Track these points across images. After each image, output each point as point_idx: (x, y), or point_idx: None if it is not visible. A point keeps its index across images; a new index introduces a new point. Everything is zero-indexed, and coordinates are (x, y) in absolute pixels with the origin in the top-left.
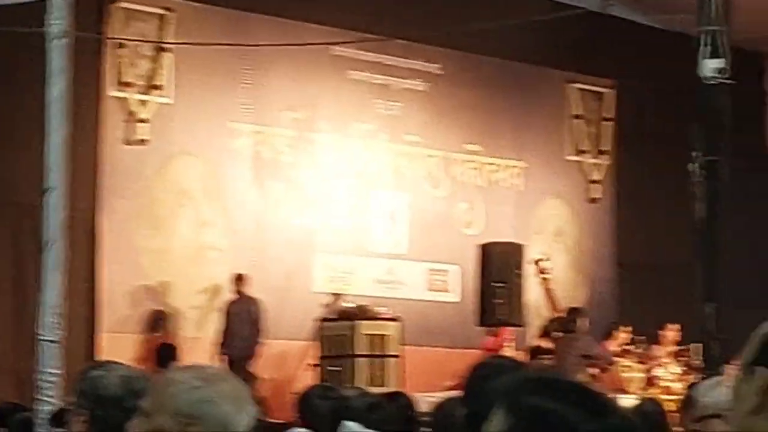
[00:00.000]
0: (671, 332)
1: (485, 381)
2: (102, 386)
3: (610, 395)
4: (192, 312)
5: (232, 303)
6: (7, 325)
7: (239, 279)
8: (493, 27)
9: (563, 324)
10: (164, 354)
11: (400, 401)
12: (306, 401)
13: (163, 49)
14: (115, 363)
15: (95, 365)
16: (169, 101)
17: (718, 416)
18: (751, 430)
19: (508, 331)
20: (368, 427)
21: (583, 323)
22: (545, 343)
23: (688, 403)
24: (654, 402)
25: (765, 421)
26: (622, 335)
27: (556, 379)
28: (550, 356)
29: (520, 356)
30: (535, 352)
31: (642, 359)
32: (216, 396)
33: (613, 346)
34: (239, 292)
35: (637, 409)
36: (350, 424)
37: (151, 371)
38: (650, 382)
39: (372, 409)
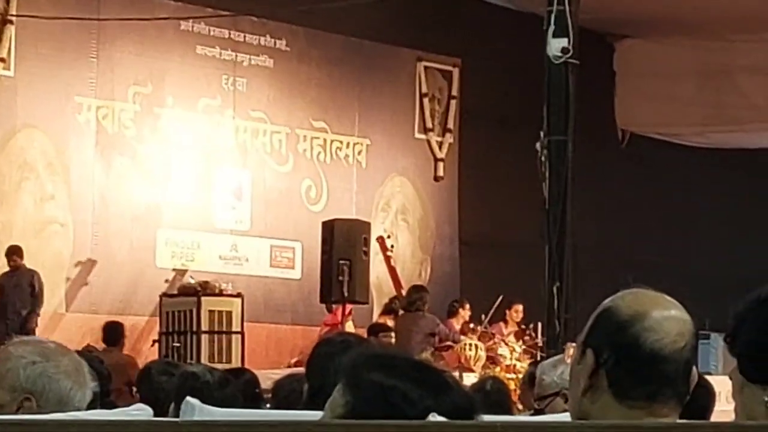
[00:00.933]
0: (516, 312)
1: (329, 358)
2: None
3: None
4: None
5: (6, 276)
6: None
7: (13, 251)
8: (343, 5)
9: (406, 302)
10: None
11: (244, 377)
12: (148, 378)
13: (7, 21)
14: None
15: None
16: (11, 74)
17: (558, 394)
18: (584, 411)
19: (348, 308)
20: (212, 403)
21: (425, 301)
22: (388, 321)
23: (530, 381)
24: (496, 380)
25: (590, 402)
26: (465, 313)
27: (396, 356)
28: (389, 333)
29: (361, 333)
30: (375, 329)
31: (484, 338)
32: (54, 371)
33: (456, 324)
34: (13, 265)
35: (478, 386)
36: (193, 400)
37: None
38: (493, 360)
39: (217, 385)
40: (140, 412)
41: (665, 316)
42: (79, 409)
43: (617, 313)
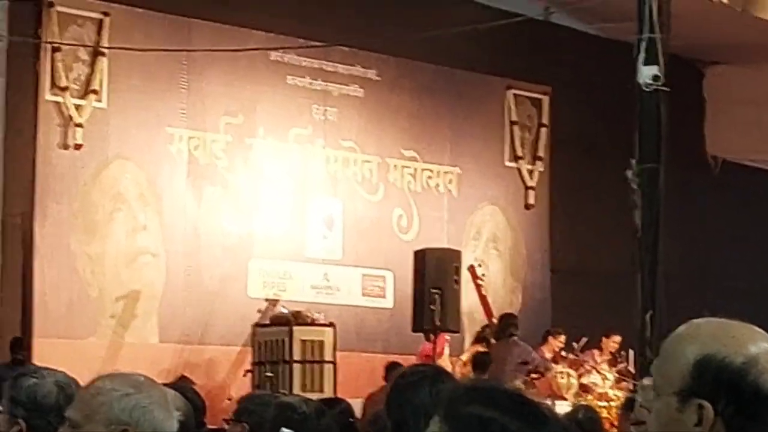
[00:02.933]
0: (613, 342)
1: (407, 391)
2: (39, 394)
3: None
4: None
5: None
6: None
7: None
8: (433, 35)
9: (498, 329)
10: None
11: (339, 407)
12: (245, 407)
13: (99, 54)
14: (47, 369)
15: (26, 372)
16: (104, 106)
17: None
18: None
19: (445, 337)
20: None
21: (516, 327)
22: (480, 349)
23: (627, 406)
24: (588, 409)
25: None
26: (556, 342)
27: (494, 387)
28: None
29: (456, 362)
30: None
31: (576, 365)
32: (148, 402)
33: (547, 352)
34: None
35: (571, 416)
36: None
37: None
38: (585, 388)
39: (313, 416)
40: None
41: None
42: None
43: (728, 361)
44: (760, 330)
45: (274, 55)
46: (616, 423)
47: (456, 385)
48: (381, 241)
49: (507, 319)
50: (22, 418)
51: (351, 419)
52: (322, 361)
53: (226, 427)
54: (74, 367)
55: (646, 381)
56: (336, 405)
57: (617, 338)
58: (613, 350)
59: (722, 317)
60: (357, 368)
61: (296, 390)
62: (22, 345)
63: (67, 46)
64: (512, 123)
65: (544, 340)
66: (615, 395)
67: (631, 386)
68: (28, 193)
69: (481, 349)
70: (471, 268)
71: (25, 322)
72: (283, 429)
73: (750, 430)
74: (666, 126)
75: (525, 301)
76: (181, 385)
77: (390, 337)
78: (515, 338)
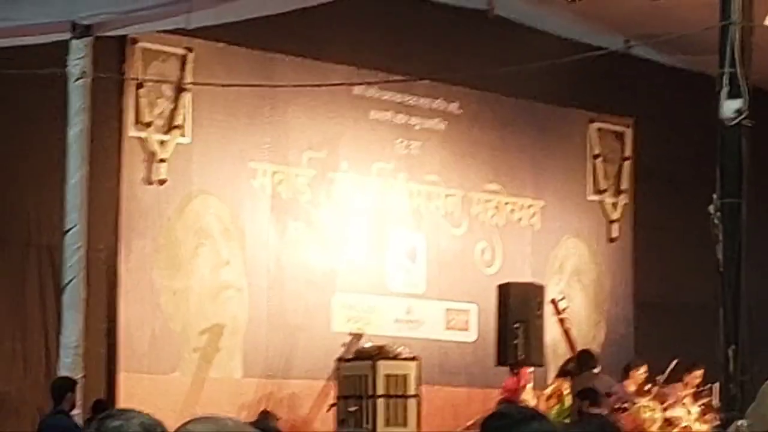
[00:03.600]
0: (695, 377)
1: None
2: None
3: None
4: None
5: None
6: (36, 367)
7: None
8: (516, 69)
9: (577, 366)
10: None
11: None
12: None
13: (182, 89)
14: (130, 411)
15: (110, 414)
16: (188, 141)
17: None
18: None
19: (528, 371)
20: None
21: (595, 362)
22: (564, 383)
23: None
24: None
25: None
26: (639, 376)
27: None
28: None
29: (540, 396)
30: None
31: (660, 399)
32: None
33: (631, 385)
34: None
35: None
36: None
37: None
38: (669, 422)
39: None
40: None
41: None
42: None
43: None
44: None
45: (356, 90)
46: None
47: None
48: (464, 275)
49: (584, 355)
50: None
51: None
52: (405, 396)
53: None
54: (158, 401)
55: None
56: None
57: (699, 372)
58: (696, 384)
59: None
60: (441, 402)
61: (380, 424)
62: (104, 407)
63: (151, 82)
64: (595, 156)
65: (625, 375)
66: (699, 429)
67: (715, 420)
68: (112, 228)
69: (564, 383)
70: (553, 302)
71: (110, 357)
72: None
73: None
74: (748, 160)
75: (608, 334)
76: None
77: (473, 370)
78: (596, 371)
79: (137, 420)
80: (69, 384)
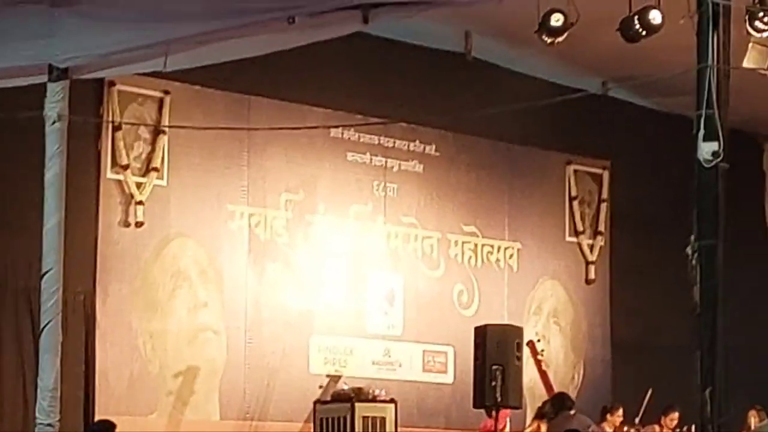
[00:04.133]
0: (671, 420)
1: None
2: None
3: None
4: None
5: None
6: (12, 410)
7: None
8: (494, 112)
9: (554, 409)
10: None
11: None
12: None
13: (160, 132)
14: None
15: None
16: (165, 183)
17: None
18: None
19: (506, 413)
20: None
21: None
22: (542, 425)
23: None
24: None
25: None
26: (616, 419)
27: None
28: None
29: None
30: None
31: None
32: None
33: (608, 427)
34: None
35: None
36: None
37: None
38: None
39: None
40: None
41: None
42: None
43: None
44: None
45: (333, 132)
46: None
47: None
48: (442, 317)
49: (560, 397)
50: None
51: None
52: None
53: None
54: None
55: None
56: None
57: (675, 416)
58: (673, 426)
59: None
60: None
61: None
62: None
63: (128, 125)
64: (572, 198)
65: (603, 417)
66: None
67: None
68: (89, 270)
69: (542, 426)
70: (531, 344)
71: (87, 400)
72: None
73: None
74: (724, 202)
75: (586, 376)
76: None
77: (451, 413)
78: (572, 412)
79: None
80: (109, 427)
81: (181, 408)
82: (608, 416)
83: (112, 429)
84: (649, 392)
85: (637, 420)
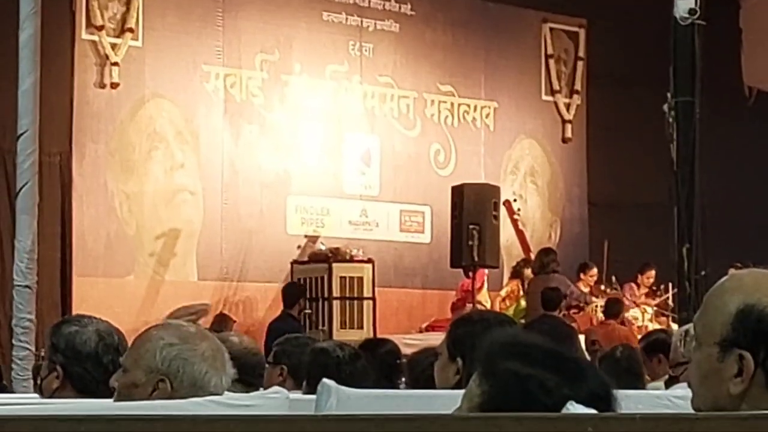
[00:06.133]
0: (648, 277)
1: (470, 338)
2: (78, 342)
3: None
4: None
5: None
6: None
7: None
8: None
9: (539, 264)
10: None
11: (385, 347)
12: (283, 350)
13: None
14: (86, 317)
15: (67, 320)
16: (140, 44)
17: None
18: (735, 410)
19: (483, 274)
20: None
21: (557, 263)
22: (518, 284)
23: (657, 350)
24: (626, 347)
25: (749, 401)
26: (588, 278)
27: (532, 343)
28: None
29: (495, 297)
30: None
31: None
32: (190, 354)
33: (583, 286)
34: None
35: (609, 353)
36: (329, 383)
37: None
38: (624, 322)
39: (347, 360)
40: (277, 395)
41: None
42: (214, 394)
43: (765, 311)
44: None
45: None
46: None
47: (493, 341)
48: (419, 177)
49: (547, 255)
50: (60, 365)
51: (398, 360)
52: (361, 298)
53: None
54: (114, 305)
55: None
56: (382, 345)
57: (651, 273)
58: (649, 284)
59: (757, 252)
60: (396, 304)
61: (336, 326)
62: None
63: None
64: (548, 56)
65: (578, 276)
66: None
67: (670, 319)
68: (65, 132)
69: (518, 284)
70: (507, 203)
71: (64, 261)
72: (325, 381)
73: None
74: (701, 59)
75: (563, 235)
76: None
77: (428, 272)
78: (557, 272)
79: (93, 327)
80: (300, 290)
81: (159, 270)
82: (582, 275)
83: (303, 292)
84: (606, 244)
85: (615, 280)
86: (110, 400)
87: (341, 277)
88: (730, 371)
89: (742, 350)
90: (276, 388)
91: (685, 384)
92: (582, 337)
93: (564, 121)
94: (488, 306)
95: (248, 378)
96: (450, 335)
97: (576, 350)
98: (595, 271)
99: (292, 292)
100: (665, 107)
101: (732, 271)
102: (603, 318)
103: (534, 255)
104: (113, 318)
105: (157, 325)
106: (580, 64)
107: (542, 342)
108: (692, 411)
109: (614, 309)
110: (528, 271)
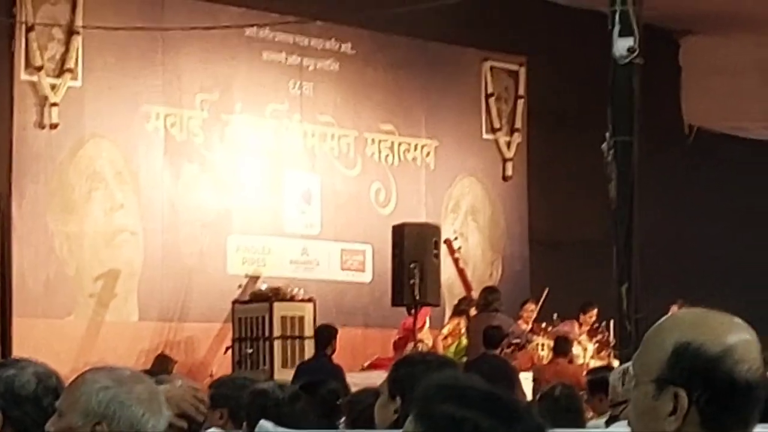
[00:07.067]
0: (590, 317)
1: (412, 379)
2: (17, 386)
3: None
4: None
5: None
6: None
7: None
8: (409, 9)
9: (483, 302)
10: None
11: (327, 387)
12: (222, 393)
13: (74, 32)
14: (25, 360)
15: (4, 364)
16: (79, 84)
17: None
18: None
19: (426, 311)
20: (283, 419)
21: (501, 302)
22: (461, 322)
23: (600, 388)
24: (565, 386)
25: None
26: (528, 314)
27: (467, 385)
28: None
29: (437, 336)
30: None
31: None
32: (126, 397)
33: (523, 324)
34: None
35: (548, 392)
36: (267, 424)
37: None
38: (572, 360)
39: (287, 401)
40: None
41: (745, 341)
42: None
43: (704, 349)
44: (740, 320)
45: (248, 31)
46: None
47: (430, 383)
48: (359, 215)
49: (491, 293)
50: (1, 409)
51: (338, 400)
52: (302, 337)
53: None
54: (54, 346)
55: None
56: (323, 385)
57: (593, 312)
58: (591, 322)
59: (698, 290)
60: (338, 343)
61: (277, 366)
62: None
63: (41, 26)
64: (489, 95)
65: (518, 314)
66: (596, 365)
67: (611, 357)
68: (5, 173)
69: (461, 322)
70: (447, 242)
71: (3, 302)
72: (262, 422)
73: (724, 421)
74: (640, 98)
75: (504, 272)
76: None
77: (370, 311)
78: (499, 312)
79: (31, 369)
80: (332, 332)
81: (99, 310)
82: (522, 313)
83: (335, 333)
84: (546, 292)
85: (556, 317)
86: None
87: (282, 317)
88: (665, 409)
89: (677, 388)
90: (214, 429)
91: (625, 422)
92: (530, 376)
93: (505, 159)
94: (430, 344)
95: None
96: (391, 374)
97: (515, 390)
98: (533, 307)
99: (325, 333)
100: (604, 146)
101: (673, 308)
102: (552, 356)
103: (476, 293)
104: (54, 359)
105: (89, 370)
106: (520, 102)
107: (479, 384)
108: None
109: (563, 347)
110: (472, 310)
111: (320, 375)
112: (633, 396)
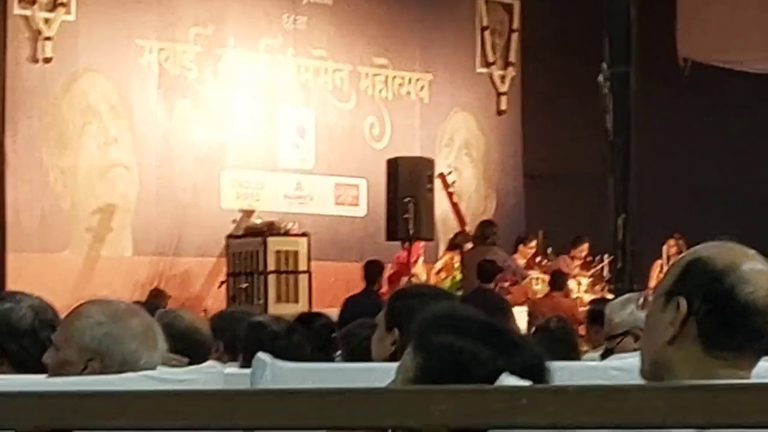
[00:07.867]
0: (581, 250)
1: (409, 312)
2: (14, 318)
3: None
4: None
5: None
6: None
7: None
8: None
9: (480, 236)
10: None
11: (320, 321)
12: (219, 326)
13: None
14: (20, 293)
15: (1, 297)
16: (73, 19)
17: (628, 333)
18: (667, 359)
19: (420, 246)
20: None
21: (498, 236)
22: (455, 257)
23: (598, 320)
24: (560, 318)
25: (676, 350)
26: (527, 248)
27: (465, 316)
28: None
29: (430, 270)
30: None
31: (551, 271)
32: (120, 333)
33: (520, 258)
34: None
35: (543, 325)
36: (264, 356)
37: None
38: (567, 294)
39: (283, 334)
40: (212, 369)
41: (757, 270)
42: (146, 371)
43: (711, 263)
44: (762, 257)
45: None
46: None
47: (427, 314)
48: (353, 150)
49: (487, 227)
50: None
51: (333, 333)
52: (296, 272)
53: None
54: (49, 281)
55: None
56: (317, 319)
57: (584, 246)
58: (582, 256)
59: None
60: (332, 277)
61: (271, 300)
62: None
63: None
64: (483, 29)
65: (515, 248)
66: (590, 299)
67: (605, 291)
68: None
69: (455, 257)
70: (441, 176)
71: None
72: (259, 355)
73: (720, 339)
74: (636, 29)
75: (499, 207)
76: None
77: (364, 245)
78: (496, 245)
79: (27, 302)
80: (380, 267)
81: (95, 245)
82: (521, 247)
83: (383, 269)
84: (540, 234)
85: (550, 252)
86: (45, 376)
87: (277, 251)
88: (668, 318)
89: (679, 297)
90: (211, 362)
91: (621, 355)
92: (524, 310)
93: (499, 94)
94: (424, 278)
95: (192, 354)
96: (388, 307)
97: (509, 323)
98: (534, 243)
99: (374, 269)
100: (600, 78)
101: (670, 242)
102: (549, 290)
103: (469, 227)
104: (49, 294)
105: (85, 303)
106: (514, 35)
107: (476, 315)
108: (627, 383)
109: (559, 281)
110: (467, 245)
111: (366, 310)
112: (647, 311)
